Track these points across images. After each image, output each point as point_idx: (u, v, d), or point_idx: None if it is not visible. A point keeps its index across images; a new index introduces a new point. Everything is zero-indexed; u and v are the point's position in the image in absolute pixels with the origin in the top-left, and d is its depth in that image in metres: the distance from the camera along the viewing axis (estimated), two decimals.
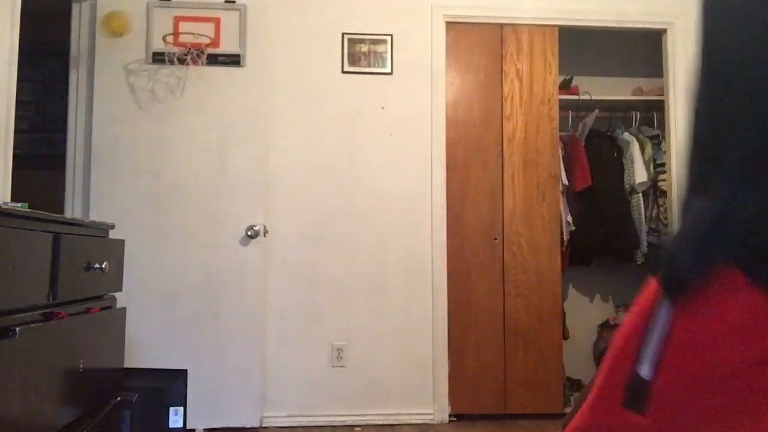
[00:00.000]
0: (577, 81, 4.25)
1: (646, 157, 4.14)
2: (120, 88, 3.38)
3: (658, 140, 4.18)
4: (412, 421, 3.49)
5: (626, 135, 4.20)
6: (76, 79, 3.46)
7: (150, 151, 3.36)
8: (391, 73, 3.64)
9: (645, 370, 0.69)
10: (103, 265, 1.98)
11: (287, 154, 3.56)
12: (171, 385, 2.76)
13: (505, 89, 3.74)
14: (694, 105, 0.72)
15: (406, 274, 3.57)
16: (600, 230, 4.06)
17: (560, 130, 3.84)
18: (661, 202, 4.10)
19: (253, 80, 3.41)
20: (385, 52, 3.65)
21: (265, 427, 3.38)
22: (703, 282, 0.66)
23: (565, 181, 3.95)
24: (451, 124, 3.69)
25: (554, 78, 3.78)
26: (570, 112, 4.21)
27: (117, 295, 2.30)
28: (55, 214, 1.79)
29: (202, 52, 3.34)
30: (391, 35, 3.65)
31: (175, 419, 2.68)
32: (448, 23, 3.71)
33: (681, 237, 0.75)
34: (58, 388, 1.69)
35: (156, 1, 3.41)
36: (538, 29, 3.77)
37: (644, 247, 4.10)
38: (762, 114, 0.64)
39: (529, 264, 3.68)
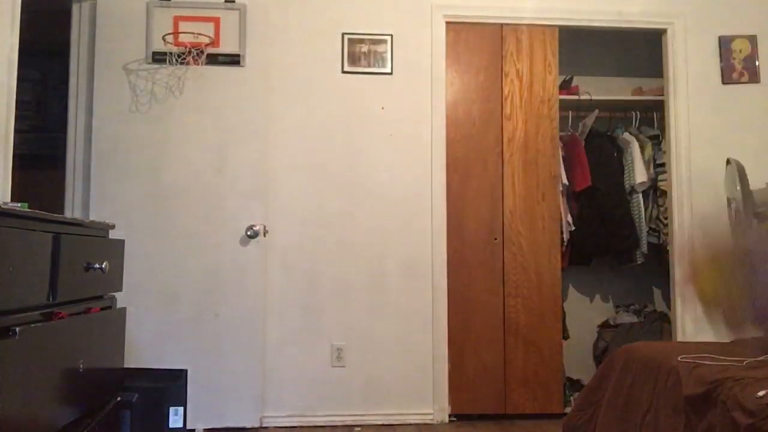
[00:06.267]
0: (577, 81, 4.24)
1: (646, 157, 4.14)
2: (120, 88, 3.38)
3: (658, 140, 4.18)
4: (412, 421, 3.49)
5: (626, 135, 4.20)
6: (76, 79, 3.46)
7: (150, 151, 3.36)
8: (391, 73, 3.64)
9: None
10: (103, 265, 1.98)
11: (287, 154, 3.56)
12: (171, 385, 2.76)
13: (505, 89, 3.74)
14: None
15: (406, 273, 3.57)
16: (600, 230, 4.06)
17: (560, 130, 3.84)
18: (661, 202, 4.10)
19: (252, 80, 3.41)
20: (385, 52, 3.65)
21: (265, 427, 3.38)
22: None
23: (565, 181, 3.95)
24: (451, 124, 3.69)
25: (554, 78, 3.78)
26: (570, 112, 4.21)
27: (117, 295, 2.30)
28: (55, 214, 1.79)
29: (202, 52, 3.34)
30: (391, 35, 3.65)
31: (175, 419, 2.68)
32: (448, 23, 3.71)
33: None
34: (58, 388, 1.69)
35: (156, 1, 3.41)
36: (538, 29, 3.77)
37: (644, 247, 4.09)
38: None
39: (529, 264, 3.68)
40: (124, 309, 2.31)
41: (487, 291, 3.65)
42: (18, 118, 2.48)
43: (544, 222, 3.70)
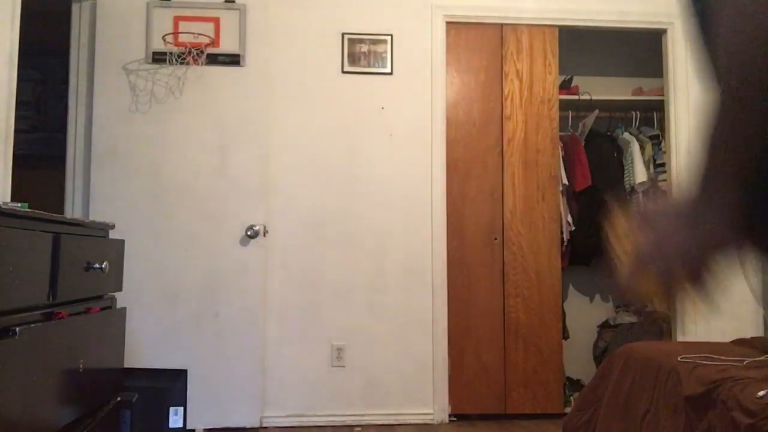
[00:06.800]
0: (577, 81, 4.25)
1: (646, 157, 4.14)
2: (120, 88, 3.38)
3: (658, 140, 4.18)
4: (412, 421, 3.49)
5: (626, 135, 4.20)
6: (76, 79, 3.47)
7: (150, 151, 3.36)
8: (391, 73, 3.64)
9: None
10: (103, 265, 1.98)
11: (287, 154, 3.56)
12: (171, 385, 2.77)
13: (505, 89, 3.74)
14: None
15: (406, 274, 3.57)
16: (600, 230, 4.06)
17: (560, 130, 3.84)
18: None
19: (253, 80, 3.41)
20: (385, 52, 3.65)
21: (265, 427, 3.38)
22: None
23: (565, 181, 3.95)
24: (451, 124, 3.69)
25: (554, 78, 3.78)
26: (570, 112, 4.21)
27: (117, 295, 2.30)
28: (55, 214, 1.79)
29: (202, 52, 3.34)
30: (391, 35, 3.65)
31: (175, 419, 2.68)
32: (448, 23, 3.71)
33: None
34: (58, 388, 1.69)
35: (156, 1, 3.41)
36: (538, 29, 3.77)
37: None
38: None
39: (529, 264, 3.68)
40: (124, 309, 2.31)
41: (487, 291, 3.65)
42: (18, 118, 2.48)
43: (544, 222, 3.71)
